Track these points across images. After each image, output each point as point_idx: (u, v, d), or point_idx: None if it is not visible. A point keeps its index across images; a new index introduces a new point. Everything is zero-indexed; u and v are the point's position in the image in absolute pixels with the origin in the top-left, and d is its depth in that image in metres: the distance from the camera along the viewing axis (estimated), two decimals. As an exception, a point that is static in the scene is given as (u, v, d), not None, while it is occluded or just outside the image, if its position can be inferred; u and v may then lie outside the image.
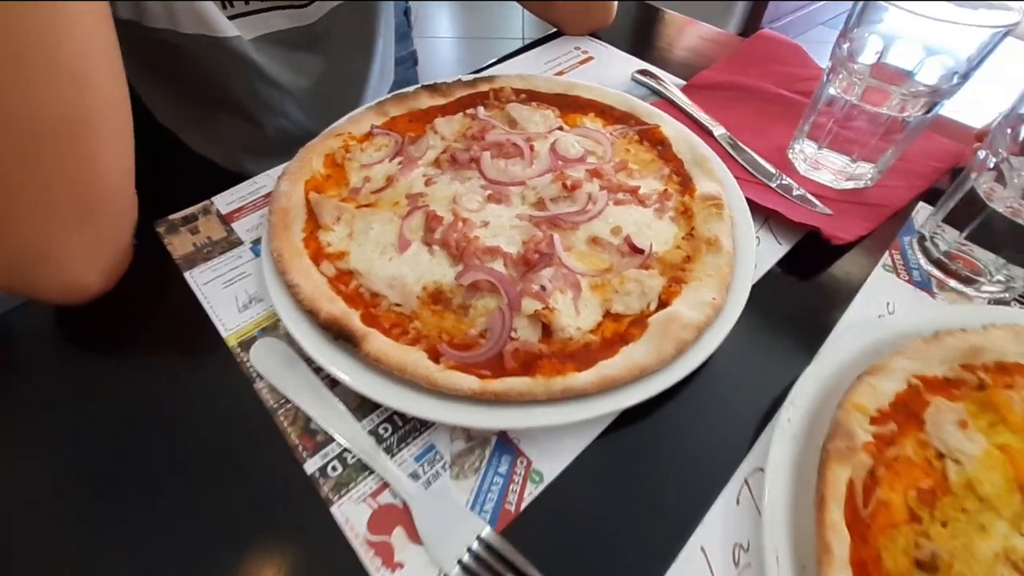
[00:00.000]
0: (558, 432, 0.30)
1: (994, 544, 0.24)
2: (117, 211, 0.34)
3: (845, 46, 0.40)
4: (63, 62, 0.29)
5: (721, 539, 0.26)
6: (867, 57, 0.39)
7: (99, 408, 0.31)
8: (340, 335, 0.31)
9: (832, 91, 0.42)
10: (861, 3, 0.37)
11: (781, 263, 0.39)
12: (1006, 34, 0.34)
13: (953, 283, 0.37)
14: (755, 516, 0.27)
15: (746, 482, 0.28)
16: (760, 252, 0.39)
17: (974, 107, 0.42)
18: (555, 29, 0.62)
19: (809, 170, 0.45)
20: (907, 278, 0.38)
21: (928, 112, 0.38)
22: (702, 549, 0.26)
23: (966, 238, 0.37)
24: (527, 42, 0.60)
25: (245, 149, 0.60)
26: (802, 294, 0.37)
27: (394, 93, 0.47)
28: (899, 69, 0.38)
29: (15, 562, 0.26)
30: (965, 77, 0.36)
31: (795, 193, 0.42)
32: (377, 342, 0.30)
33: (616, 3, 0.59)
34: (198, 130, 0.60)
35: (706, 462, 0.29)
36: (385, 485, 0.28)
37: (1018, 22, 0.34)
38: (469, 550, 0.25)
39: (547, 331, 0.32)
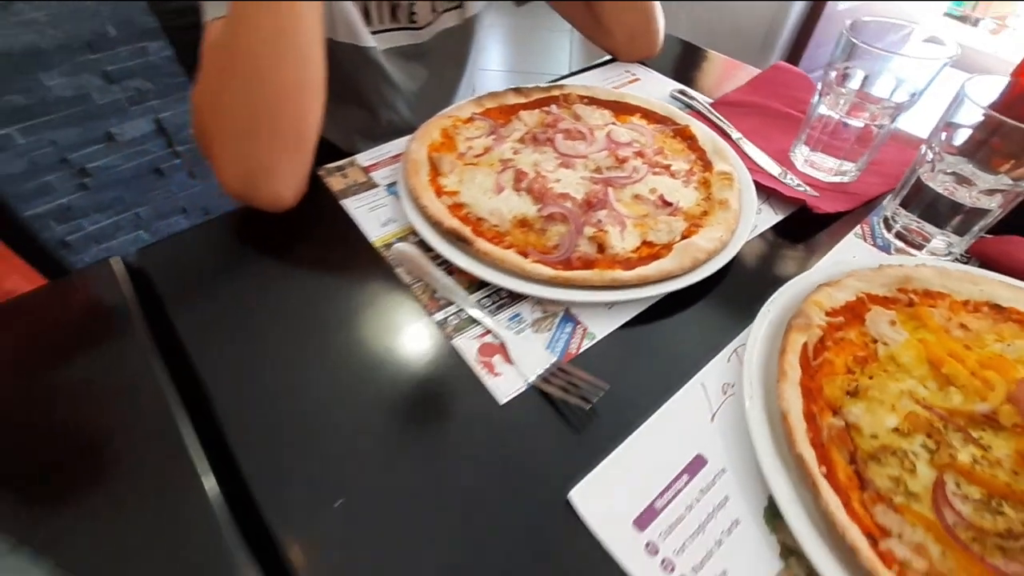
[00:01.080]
0: (606, 310, 0.43)
1: (902, 386, 0.36)
2: (311, 148, 0.49)
3: (832, 74, 0.53)
4: (299, 45, 0.45)
5: (715, 380, 0.38)
6: (854, 83, 0.52)
7: (283, 287, 0.46)
8: (458, 238, 0.45)
9: (822, 109, 0.55)
10: (843, 43, 0.51)
11: (776, 227, 0.51)
12: (946, 64, 0.47)
13: (908, 248, 0.49)
14: (739, 368, 0.39)
15: (735, 351, 0.40)
16: (760, 218, 0.52)
17: (923, 118, 0.55)
18: (608, 56, 0.77)
19: (806, 167, 0.58)
20: (872, 243, 0.50)
21: (892, 122, 0.51)
22: (701, 385, 0.38)
23: (919, 216, 0.49)
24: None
25: (360, 134, 0.77)
26: (790, 248, 0.50)
27: (488, 92, 0.62)
28: (874, 94, 0.51)
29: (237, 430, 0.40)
30: (919, 95, 0.49)
31: (795, 187, 0.55)
32: (484, 244, 0.44)
33: (661, 39, 0.74)
34: (325, 117, 0.77)
35: (708, 339, 0.41)
36: (488, 332, 0.41)
37: (956, 54, 0.47)
38: (544, 369, 0.38)
39: (601, 250, 0.45)
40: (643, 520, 0.31)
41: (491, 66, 2.61)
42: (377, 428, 0.36)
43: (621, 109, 0.61)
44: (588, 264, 0.43)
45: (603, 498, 0.32)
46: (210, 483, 0.33)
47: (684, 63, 0.79)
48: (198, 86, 0.48)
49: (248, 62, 0.44)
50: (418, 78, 0.75)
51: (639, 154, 0.54)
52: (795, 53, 2.00)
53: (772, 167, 0.57)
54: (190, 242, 0.49)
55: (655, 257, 0.44)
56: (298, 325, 0.42)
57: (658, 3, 0.70)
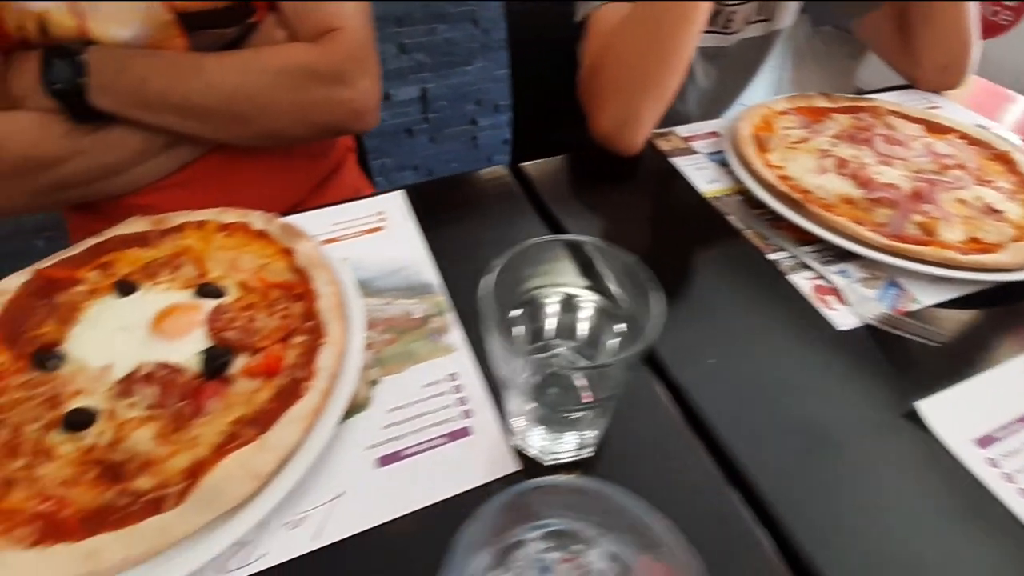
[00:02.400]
0: (929, 283, 0.48)
1: None
2: (666, 108, 0.60)
3: None
4: (695, 22, 0.56)
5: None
6: None
7: (631, 209, 0.57)
8: (790, 200, 0.53)
9: None
10: None
11: (1104, 258, 0.52)
12: None
13: None
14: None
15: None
16: (1088, 245, 0.53)
17: None
18: (902, 82, 0.81)
19: None
20: None
21: None
22: (1034, 362, 0.42)
23: None
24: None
25: (647, 119, 0.88)
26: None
27: (800, 93, 0.70)
28: None
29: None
30: None
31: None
32: (817, 208, 0.52)
33: (970, 74, 0.75)
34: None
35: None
36: (819, 277, 0.49)
37: None
38: (879, 314, 0.45)
39: (928, 234, 0.50)
40: (984, 442, 0.37)
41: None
42: (730, 324, 0.45)
43: (932, 128, 0.65)
44: (919, 243, 0.49)
45: (948, 415, 0.38)
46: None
47: (982, 100, 0.79)
48: (588, 51, 0.63)
49: (656, 32, 0.56)
50: (711, 77, 0.85)
51: (959, 166, 0.58)
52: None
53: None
54: (558, 165, 0.63)
55: (985, 251, 0.48)
56: (653, 239, 0.53)
57: (977, 38, 0.72)
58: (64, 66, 0.55)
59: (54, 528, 0.31)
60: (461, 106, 1.76)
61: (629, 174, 0.62)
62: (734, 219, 0.55)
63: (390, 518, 0.33)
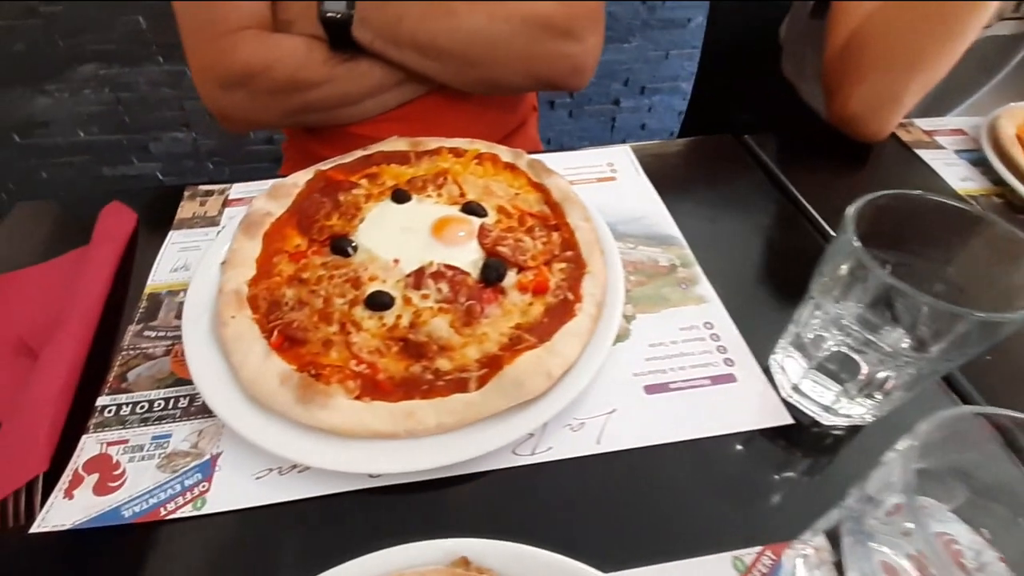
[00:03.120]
0: None
1: None
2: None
3: None
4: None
5: None
6: None
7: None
8: (1074, 210, 0.48)
9: None
10: None
11: None
12: None
13: None
14: None
15: None
16: None
17: None
18: None
19: None
20: None
21: None
22: None
23: None
24: None
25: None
26: None
27: (1066, 99, 0.63)
28: None
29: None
30: None
31: None
32: (1109, 221, 0.47)
33: None
34: (812, 87, 0.85)
35: None
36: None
37: None
38: None
39: None
40: None
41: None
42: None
43: None
44: None
45: None
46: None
47: None
48: (838, 26, 0.59)
49: (946, 24, 0.53)
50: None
51: None
52: None
53: None
54: (784, 140, 0.61)
55: None
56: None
57: None
58: (339, -2, 0.60)
59: (373, 387, 0.36)
60: (607, 84, 1.74)
61: (864, 158, 0.59)
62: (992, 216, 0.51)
63: (659, 441, 0.35)
